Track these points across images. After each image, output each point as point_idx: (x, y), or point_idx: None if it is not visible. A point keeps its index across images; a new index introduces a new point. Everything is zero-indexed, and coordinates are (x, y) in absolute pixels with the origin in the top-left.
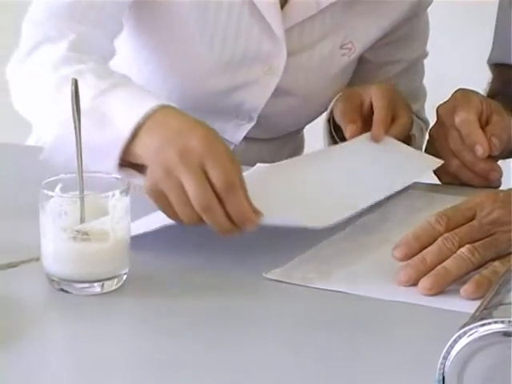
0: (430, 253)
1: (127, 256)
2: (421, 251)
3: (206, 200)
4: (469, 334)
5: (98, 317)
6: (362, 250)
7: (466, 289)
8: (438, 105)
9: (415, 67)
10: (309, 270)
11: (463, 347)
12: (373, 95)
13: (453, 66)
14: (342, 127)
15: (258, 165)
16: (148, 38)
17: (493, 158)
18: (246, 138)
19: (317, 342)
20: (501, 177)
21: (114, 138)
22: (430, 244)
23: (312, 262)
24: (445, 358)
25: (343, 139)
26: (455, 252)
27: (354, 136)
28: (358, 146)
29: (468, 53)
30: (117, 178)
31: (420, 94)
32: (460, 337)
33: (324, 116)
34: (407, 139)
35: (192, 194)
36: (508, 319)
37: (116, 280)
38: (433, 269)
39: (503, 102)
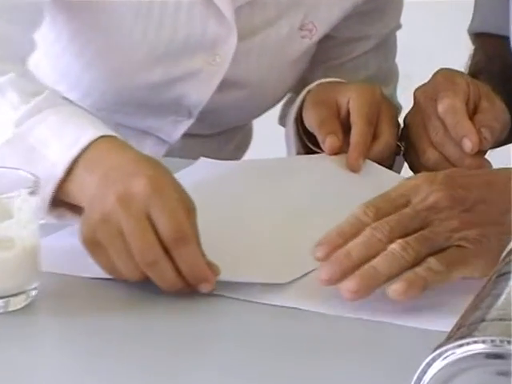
0: (355, 246)
1: (36, 268)
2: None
3: (152, 255)
4: (444, 355)
5: (0, 341)
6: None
7: (394, 288)
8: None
9: (386, 43)
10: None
11: (438, 371)
12: (351, 101)
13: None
14: (318, 137)
15: (203, 159)
16: (66, 24)
17: (481, 151)
18: (184, 135)
19: (260, 363)
20: None
21: (45, 173)
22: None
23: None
24: None
25: (316, 145)
26: (386, 244)
27: (334, 151)
28: (332, 172)
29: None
30: (23, 175)
31: (392, 74)
32: (434, 359)
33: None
34: (391, 154)
35: (135, 247)
36: (490, 338)
37: (23, 296)
38: (360, 265)
39: (489, 82)
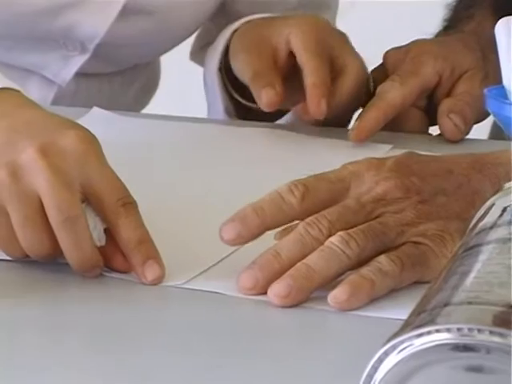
0: (285, 244)
1: None
2: (262, 232)
3: (74, 209)
4: (399, 348)
5: None
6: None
7: (335, 294)
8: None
9: None
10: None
11: (392, 367)
12: (292, 39)
13: None
14: (253, 92)
15: (96, 109)
16: None
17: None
18: (77, 75)
19: (193, 352)
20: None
21: None
22: (277, 222)
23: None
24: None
25: (251, 100)
26: (322, 242)
27: (272, 106)
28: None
29: None
30: None
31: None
32: (387, 353)
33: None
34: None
35: (53, 202)
36: (457, 326)
37: None
38: (289, 268)
39: (481, 12)
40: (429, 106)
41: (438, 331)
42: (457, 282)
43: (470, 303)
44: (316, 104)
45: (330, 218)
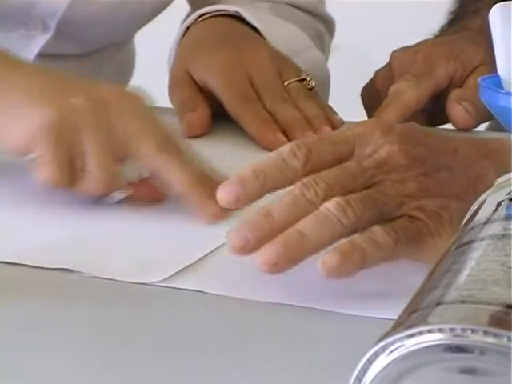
0: (279, 206)
1: None
2: (262, 195)
3: None
4: (390, 349)
5: None
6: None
7: (324, 260)
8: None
9: None
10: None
11: (382, 370)
12: (210, 85)
13: None
14: (180, 121)
15: None
16: None
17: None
18: (42, 56)
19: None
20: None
21: None
22: (278, 185)
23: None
24: None
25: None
26: (318, 206)
27: (194, 128)
28: None
29: None
30: None
31: None
32: (377, 354)
33: None
34: None
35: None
36: (449, 326)
37: None
38: (283, 231)
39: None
40: (432, 108)
41: (430, 331)
42: (450, 279)
43: (463, 302)
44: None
45: (327, 181)
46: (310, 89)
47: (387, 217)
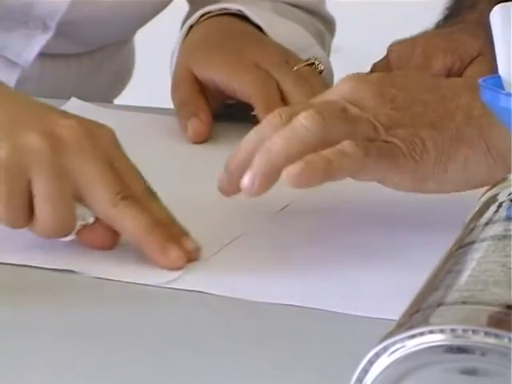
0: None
1: None
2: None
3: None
4: (391, 350)
5: None
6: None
7: (288, 169)
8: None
9: None
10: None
11: (383, 370)
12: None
13: None
14: (178, 119)
15: (73, 100)
16: None
17: None
18: (42, 56)
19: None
20: None
21: None
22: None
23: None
24: None
25: None
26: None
27: (199, 136)
28: None
29: None
30: None
31: None
32: (378, 355)
33: None
34: None
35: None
36: (450, 327)
37: None
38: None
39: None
40: None
41: (431, 332)
42: (451, 280)
43: (464, 303)
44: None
45: (301, 107)
46: (320, 72)
47: (359, 136)
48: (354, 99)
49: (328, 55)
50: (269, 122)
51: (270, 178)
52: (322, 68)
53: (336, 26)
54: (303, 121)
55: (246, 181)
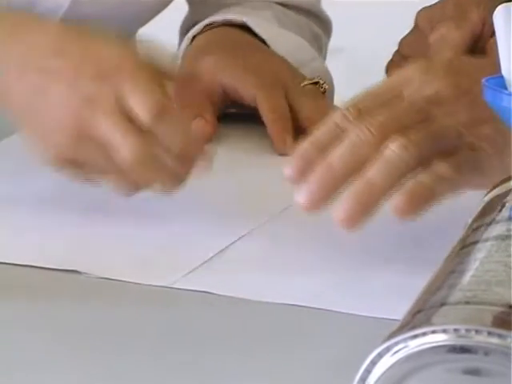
0: (337, 154)
1: None
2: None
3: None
4: (394, 350)
5: None
6: None
7: (396, 205)
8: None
9: None
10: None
11: (386, 370)
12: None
13: None
14: None
15: None
16: None
17: None
18: None
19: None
20: None
21: None
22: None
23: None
24: None
25: None
26: (376, 146)
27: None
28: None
29: None
30: None
31: None
32: (381, 355)
33: None
34: None
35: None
36: (453, 327)
37: None
38: (346, 180)
39: None
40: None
41: (434, 332)
42: (454, 280)
43: (467, 303)
44: (281, 140)
45: (380, 119)
46: (323, 92)
47: (448, 147)
48: (429, 96)
49: (325, 57)
50: (357, 135)
51: (369, 211)
52: (326, 88)
53: (332, 26)
54: (398, 151)
55: (344, 213)
